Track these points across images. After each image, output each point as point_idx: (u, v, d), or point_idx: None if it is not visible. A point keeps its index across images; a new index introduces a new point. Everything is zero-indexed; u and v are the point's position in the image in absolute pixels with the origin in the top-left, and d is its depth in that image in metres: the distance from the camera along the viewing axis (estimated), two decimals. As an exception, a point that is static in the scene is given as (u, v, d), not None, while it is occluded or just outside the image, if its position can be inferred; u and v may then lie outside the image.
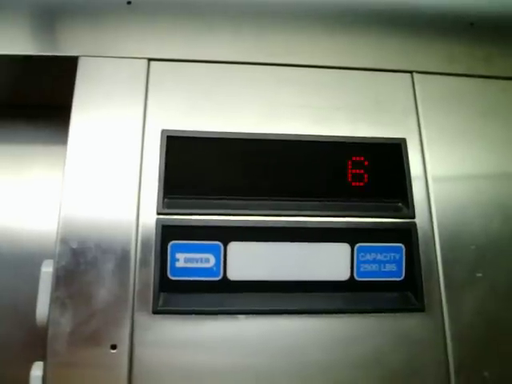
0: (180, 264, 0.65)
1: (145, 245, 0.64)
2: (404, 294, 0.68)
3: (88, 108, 0.69)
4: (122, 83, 0.70)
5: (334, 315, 0.66)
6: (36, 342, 0.65)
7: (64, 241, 0.63)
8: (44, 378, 0.60)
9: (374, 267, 0.68)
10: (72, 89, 0.70)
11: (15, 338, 0.79)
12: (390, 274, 0.68)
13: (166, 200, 0.67)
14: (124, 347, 0.61)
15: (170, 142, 0.68)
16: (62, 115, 0.71)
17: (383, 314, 0.66)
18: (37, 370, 0.61)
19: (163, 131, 0.69)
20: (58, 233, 0.64)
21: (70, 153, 0.67)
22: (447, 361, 0.65)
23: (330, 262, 0.67)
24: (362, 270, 0.68)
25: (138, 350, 0.62)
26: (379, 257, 0.68)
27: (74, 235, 0.64)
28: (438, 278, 0.68)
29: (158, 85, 0.71)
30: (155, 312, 0.63)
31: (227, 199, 0.68)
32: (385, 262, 0.68)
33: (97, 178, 0.66)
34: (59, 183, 0.67)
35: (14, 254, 0.82)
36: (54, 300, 0.62)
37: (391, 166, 0.71)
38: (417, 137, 0.73)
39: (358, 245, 0.68)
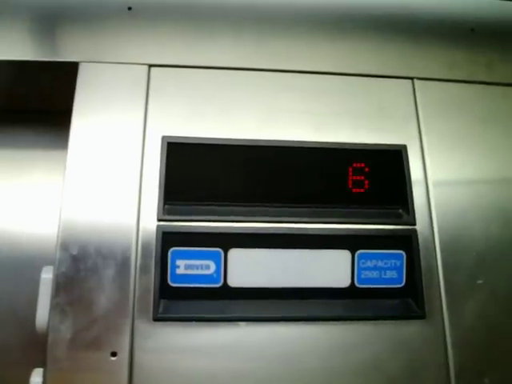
0: (180, 271, 0.65)
1: (145, 251, 0.64)
2: (405, 300, 0.68)
3: (88, 113, 0.69)
4: (123, 89, 0.70)
5: (335, 322, 0.66)
6: (35, 347, 0.65)
7: (64, 247, 0.63)
8: (44, 385, 0.60)
9: (375, 274, 0.68)
10: (72, 94, 0.69)
11: (14, 343, 0.79)
12: (391, 280, 0.68)
13: (166, 206, 0.67)
14: (124, 354, 0.61)
15: (171, 148, 0.68)
16: (62, 120, 0.70)
17: (384, 321, 0.66)
18: (36, 377, 0.61)
19: (164, 137, 0.69)
20: (58, 239, 0.63)
21: (70, 158, 0.67)
22: (448, 367, 0.65)
23: (330, 268, 0.67)
24: (362, 276, 0.68)
25: (138, 357, 0.61)
26: (380, 263, 0.68)
27: (74, 241, 0.63)
28: (439, 284, 0.67)
29: (158, 91, 0.71)
30: (155, 319, 0.62)
31: (228, 206, 0.68)
32: (385, 269, 0.68)
33: (97, 183, 0.66)
34: (59, 188, 0.67)
35: (14, 258, 0.82)
36: (54, 306, 0.62)
37: (392, 173, 0.71)
38: (417, 143, 0.73)
39: (358, 251, 0.68)
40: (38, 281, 0.64)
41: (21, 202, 0.85)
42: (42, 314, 0.62)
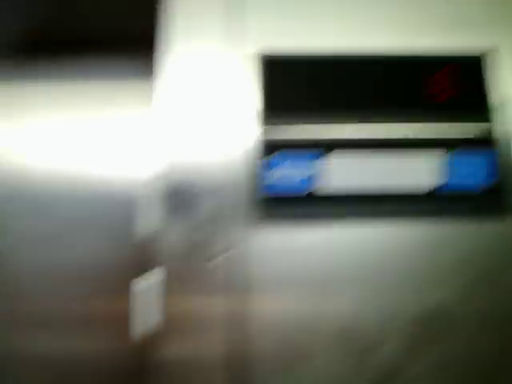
0: (279, 176, 0.68)
1: (246, 159, 0.68)
2: (490, 201, 0.69)
3: (180, 35, 0.71)
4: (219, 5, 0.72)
5: (423, 222, 0.68)
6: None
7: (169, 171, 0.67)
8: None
9: (463, 174, 0.69)
10: (152, 19, 0.72)
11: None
12: (478, 182, 0.69)
13: (265, 116, 0.69)
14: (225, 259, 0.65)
15: (267, 63, 0.71)
16: (142, 47, 0.72)
17: (469, 222, 0.68)
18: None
19: (258, 53, 0.71)
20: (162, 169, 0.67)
21: (160, 87, 0.69)
22: None
23: (419, 170, 0.69)
24: (450, 178, 0.69)
25: (238, 262, 0.65)
26: (467, 165, 0.69)
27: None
28: None
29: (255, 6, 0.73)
30: (255, 223, 0.66)
31: (322, 114, 0.70)
32: (473, 171, 0.69)
33: (195, 101, 0.69)
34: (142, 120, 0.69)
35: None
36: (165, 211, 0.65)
37: (478, 79, 0.72)
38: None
39: (446, 154, 0.69)
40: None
41: (102, 138, 0.86)
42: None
